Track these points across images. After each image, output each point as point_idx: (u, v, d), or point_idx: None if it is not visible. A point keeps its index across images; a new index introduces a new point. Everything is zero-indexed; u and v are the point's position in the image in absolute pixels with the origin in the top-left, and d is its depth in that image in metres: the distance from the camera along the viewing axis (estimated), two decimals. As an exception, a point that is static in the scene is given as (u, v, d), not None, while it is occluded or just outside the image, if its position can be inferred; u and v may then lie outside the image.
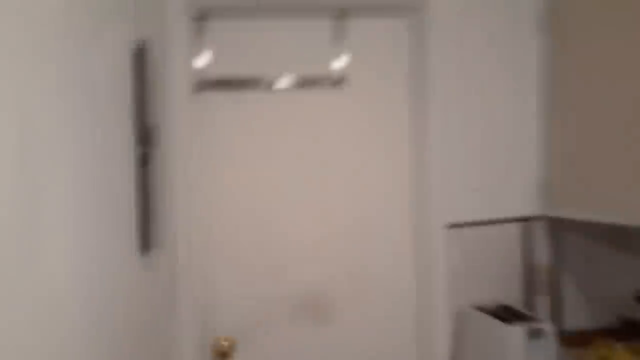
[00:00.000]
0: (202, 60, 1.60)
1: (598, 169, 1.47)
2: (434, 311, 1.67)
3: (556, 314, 1.75)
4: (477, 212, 1.70)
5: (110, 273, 0.96)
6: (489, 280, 1.71)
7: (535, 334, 1.43)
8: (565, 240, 1.76)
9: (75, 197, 0.79)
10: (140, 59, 1.18)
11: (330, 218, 1.68)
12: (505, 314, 1.55)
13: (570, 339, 1.66)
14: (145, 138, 1.21)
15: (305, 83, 1.65)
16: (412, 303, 1.74)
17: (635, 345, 1.58)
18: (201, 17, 1.59)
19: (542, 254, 1.74)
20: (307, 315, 1.67)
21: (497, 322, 1.48)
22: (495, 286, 1.72)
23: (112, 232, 0.97)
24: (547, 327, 1.45)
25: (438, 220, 1.67)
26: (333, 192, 1.68)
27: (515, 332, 1.43)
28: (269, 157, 1.66)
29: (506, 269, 1.72)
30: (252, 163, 1.65)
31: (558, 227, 1.74)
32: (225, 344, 1.58)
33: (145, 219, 1.17)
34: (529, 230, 1.73)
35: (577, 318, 1.77)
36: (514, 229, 1.72)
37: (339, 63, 1.67)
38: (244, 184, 1.64)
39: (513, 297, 1.72)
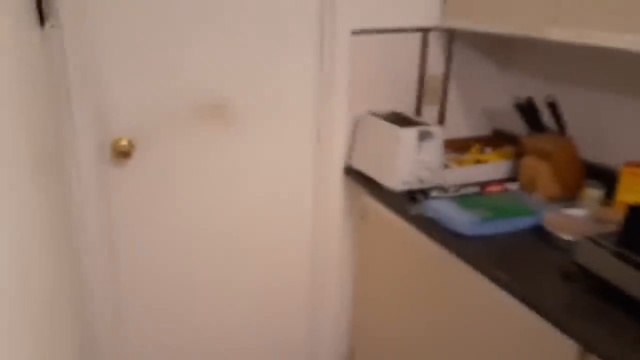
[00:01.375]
0: None
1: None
2: (334, 115, 1.75)
3: (441, 122, 1.92)
4: (381, 20, 1.71)
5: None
6: (387, 89, 1.80)
7: (425, 136, 1.57)
8: (457, 52, 1.86)
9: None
10: None
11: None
12: (398, 119, 1.67)
13: (452, 144, 1.86)
14: None
15: None
16: (313, 109, 1.79)
17: (502, 150, 1.81)
18: None
19: (436, 65, 1.84)
20: (209, 116, 1.66)
21: (392, 125, 1.59)
22: (390, 95, 1.82)
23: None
24: (436, 130, 1.59)
25: (343, 25, 1.66)
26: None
27: (408, 133, 1.55)
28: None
29: (403, 78, 1.81)
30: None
31: (452, 39, 1.83)
32: (125, 143, 1.54)
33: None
34: (427, 40, 1.80)
35: (459, 127, 1.96)
36: (414, 39, 1.78)
37: None
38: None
39: (405, 105, 1.85)
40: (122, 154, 1.55)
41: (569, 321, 1.03)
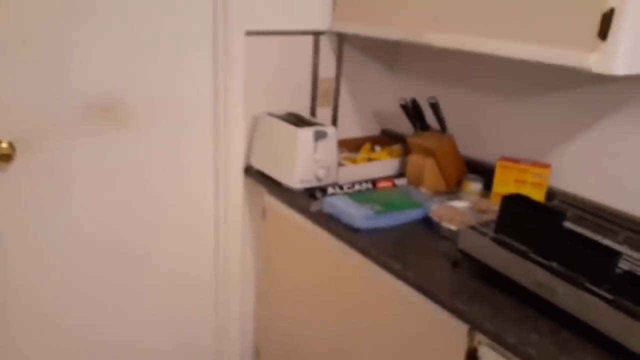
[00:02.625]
0: None
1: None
2: (232, 116, 1.75)
3: (334, 123, 1.99)
4: (275, 22, 1.75)
5: None
6: (283, 90, 1.84)
7: (320, 135, 1.62)
8: (348, 56, 1.94)
9: None
10: None
11: None
12: (295, 119, 1.71)
13: (345, 143, 1.94)
14: None
15: None
16: (210, 110, 1.77)
17: (391, 148, 1.92)
18: None
19: (329, 68, 1.91)
20: (101, 118, 1.59)
21: (289, 125, 1.63)
22: (286, 96, 1.86)
23: None
24: (330, 130, 1.66)
25: (238, 26, 1.67)
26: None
27: (305, 133, 1.60)
28: None
29: (298, 80, 1.86)
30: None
31: (343, 43, 1.91)
32: (5, 146, 1.43)
33: None
34: (319, 44, 1.86)
35: (351, 127, 2.04)
36: (307, 42, 1.83)
37: None
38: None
39: (301, 106, 1.89)
40: (3, 157, 1.44)
41: (457, 304, 1.13)
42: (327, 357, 1.63)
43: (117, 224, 1.71)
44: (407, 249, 1.34)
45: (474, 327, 1.10)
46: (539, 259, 1.09)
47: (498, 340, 1.04)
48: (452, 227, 1.38)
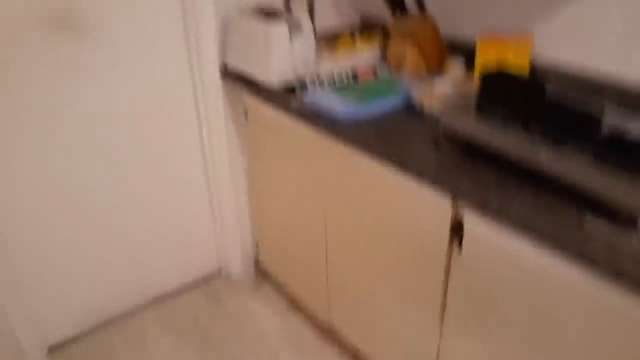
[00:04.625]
0: None
1: None
2: (201, 15, 1.69)
3: (311, 13, 1.92)
4: None
5: None
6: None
7: (296, 29, 1.57)
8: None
9: None
10: None
11: None
12: (268, 14, 1.65)
13: (323, 35, 1.88)
14: None
15: None
16: (178, 10, 1.70)
17: (371, 36, 1.86)
18: None
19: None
20: (59, 26, 1.53)
21: (261, 22, 1.57)
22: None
23: None
24: (306, 22, 1.60)
25: None
26: None
27: (279, 29, 1.55)
28: None
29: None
30: None
31: None
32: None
33: None
34: None
35: (328, 17, 1.97)
36: None
37: None
38: None
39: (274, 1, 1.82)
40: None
41: (440, 177, 1.15)
42: (319, 245, 1.70)
43: (96, 133, 1.71)
44: (391, 135, 1.34)
45: (458, 198, 1.13)
46: (521, 129, 1.10)
47: (481, 208, 1.08)
48: (435, 109, 1.38)
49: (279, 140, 1.70)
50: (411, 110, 1.45)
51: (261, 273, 2.23)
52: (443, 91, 1.48)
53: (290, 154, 1.67)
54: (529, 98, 1.11)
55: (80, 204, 1.75)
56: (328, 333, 1.93)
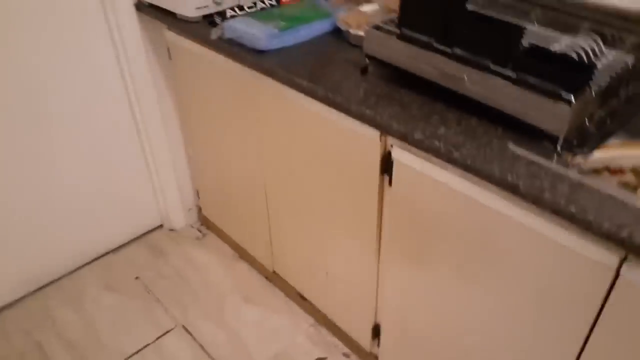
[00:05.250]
0: None
1: None
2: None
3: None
4: None
5: None
6: None
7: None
8: None
9: None
10: None
11: None
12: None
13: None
14: None
15: None
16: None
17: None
18: None
19: None
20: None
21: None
22: None
23: None
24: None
25: None
26: None
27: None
28: None
29: None
30: None
31: None
32: None
33: None
34: None
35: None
36: None
37: None
38: None
39: None
40: None
41: (364, 110, 1.06)
42: (258, 190, 1.61)
43: (8, 87, 1.55)
44: (316, 64, 1.24)
45: (383, 130, 1.04)
46: (443, 47, 1.00)
47: (406, 139, 1.00)
48: (361, 32, 1.27)
49: (205, 78, 1.57)
50: (338, 35, 1.34)
51: (205, 223, 2.14)
52: (370, 12, 1.37)
53: (218, 93, 1.54)
54: (450, 11, 1.00)
55: (4, 166, 1.62)
56: (273, 280, 1.87)
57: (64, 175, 1.77)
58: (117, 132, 1.84)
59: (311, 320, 1.74)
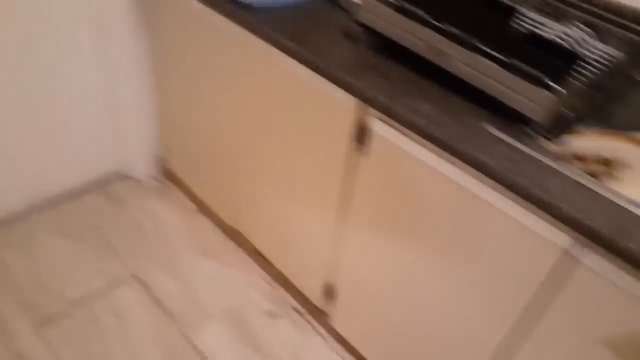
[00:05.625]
0: None
1: None
2: None
3: None
4: None
5: None
6: None
7: None
8: None
9: None
10: None
11: None
12: None
13: None
14: None
15: None
16: None
17: None
18: None
19: None
20: None
21: None
22: None
23: None
24: None
25: None
26: None
27: None
28: None
29: None
30: None
31: None
32: None
33: None
34: None
35: None
36: None
37: None
38: None
39: None
40: None
41: (346, 77, 1.09)
42: (228, 148, 1.62)
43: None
44: (305, 26, 1.25)
45: (364, 99, 1.08)
46: (439, 24, 1.04)
47: (387, 111, 1.04)
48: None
49: (185, 26, 1.54)
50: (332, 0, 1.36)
51: (170, 177, 2.13)
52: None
53: (198, 44, 1.53)
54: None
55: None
56: (232, 236, 1.90)
57: (12, 109, 1.67)
58: (75, 67, 1.74)
59: (267, 277, 1.80)
